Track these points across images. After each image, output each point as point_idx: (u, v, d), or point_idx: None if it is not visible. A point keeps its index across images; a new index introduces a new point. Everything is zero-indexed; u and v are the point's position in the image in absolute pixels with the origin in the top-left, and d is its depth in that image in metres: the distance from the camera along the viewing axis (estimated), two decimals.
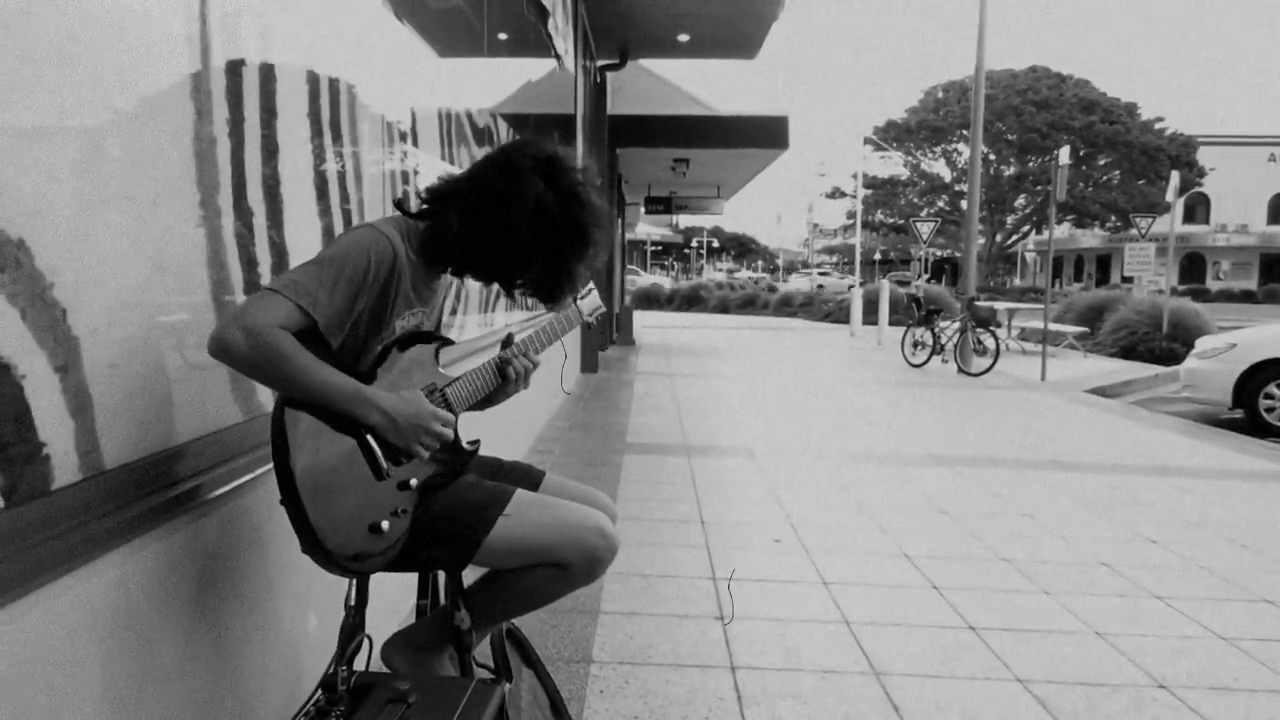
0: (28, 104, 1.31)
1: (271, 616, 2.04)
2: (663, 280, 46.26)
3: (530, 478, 1.99)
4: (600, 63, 12.60)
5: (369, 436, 1.62)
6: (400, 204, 1.83)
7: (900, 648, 3.06)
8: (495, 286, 1.88)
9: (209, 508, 1.79)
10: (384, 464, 1.64)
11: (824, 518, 4.68)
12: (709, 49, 12.45)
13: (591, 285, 2.20)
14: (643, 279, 42.67)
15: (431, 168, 3.73)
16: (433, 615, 1.90)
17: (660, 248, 70.53)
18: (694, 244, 72.07)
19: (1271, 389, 8.43)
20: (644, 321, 22.50)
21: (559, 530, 1.77)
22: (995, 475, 5.80)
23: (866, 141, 44.14)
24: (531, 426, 6.61)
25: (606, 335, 14.67)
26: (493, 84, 5.62)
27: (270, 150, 2.11)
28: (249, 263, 2.01)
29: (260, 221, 2.06)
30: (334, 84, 2.54)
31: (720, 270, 76.68)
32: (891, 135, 46.49)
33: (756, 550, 4.10)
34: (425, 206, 1.79)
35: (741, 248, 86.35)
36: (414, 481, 1.69)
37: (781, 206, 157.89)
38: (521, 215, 1.71)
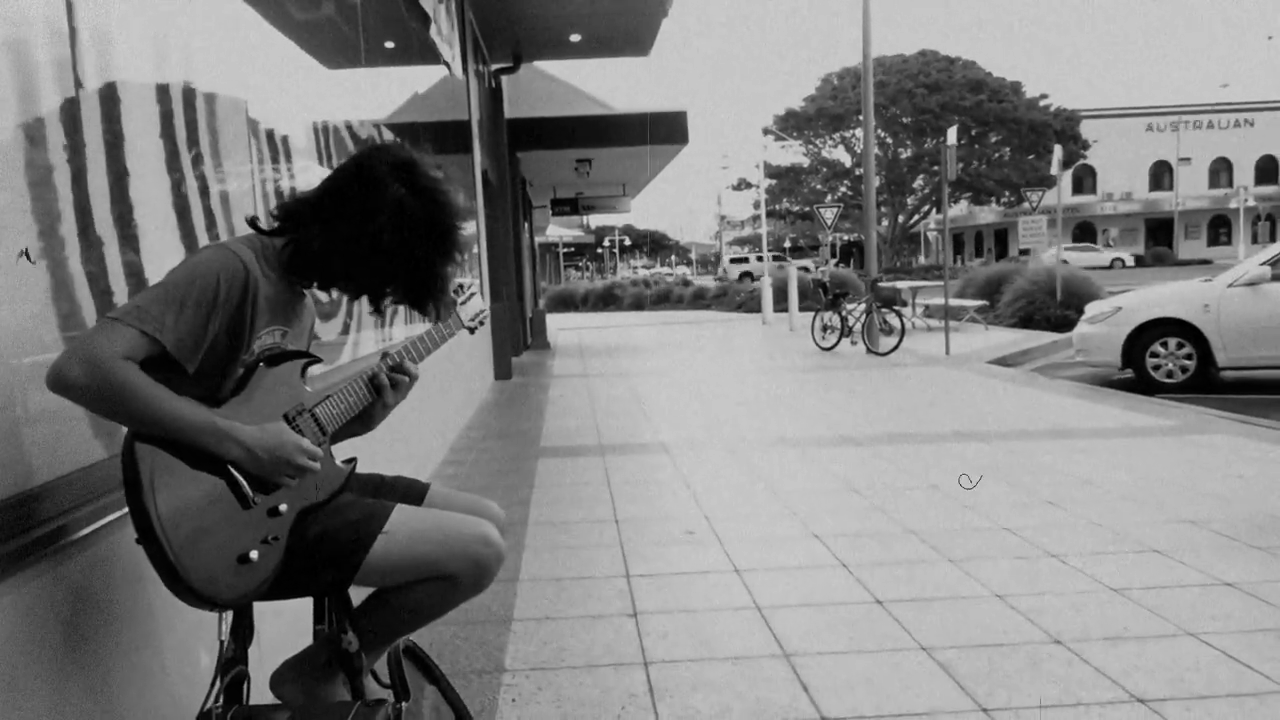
0: None
1: (153, 657, 1.96)
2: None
3: (414, 491, 1.96)
4: (494, 66, 12.51)
5: (230, 467, 1.56)
6: (254, 222, 1.78)
7: (809, 627, 3.12)
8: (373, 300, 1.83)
9: (74, 549, 1.71)
10: (250, 494, 1.58)
11: (737, 506, 4.74)
12: (601, 48, 12.48)
13: (474, 290, 2.17)
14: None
15: (310, 184, 3.64)
16: (320, 641, 1.85)
17: (573, 249, 70.39)
18: (606, 243, 72.18)
19: (1156, 348, 8.85)
20: (559, 324, 22.43)
21: (441, 543, 1.74)
22: (903, 450, 5.96)
23: (766, 132, 44.88)
24: (444, 437, 6.53)
25: (520, 340, 14.57)
26: (381, 94, 5.53)
27: (119, 174, 2.02)
28: (102, 294, 1.92)
29: (112, 251, 1.98)
30: (194, 100, 2.46)
31: (636, 268, 76.95)
32: (792, 124, 47.30)
33: (670, 544, 4.13)
34: (278, 223, 1.74)
35: (654, 244, 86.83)
36: (283, 507, 1.65)
37: (690, 201, 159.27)
38: (383, 223, 1.68)
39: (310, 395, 1.80)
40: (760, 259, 40.97)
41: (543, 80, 14.25)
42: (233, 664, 1.64)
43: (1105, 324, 9.21)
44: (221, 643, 1.63)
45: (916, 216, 50.12)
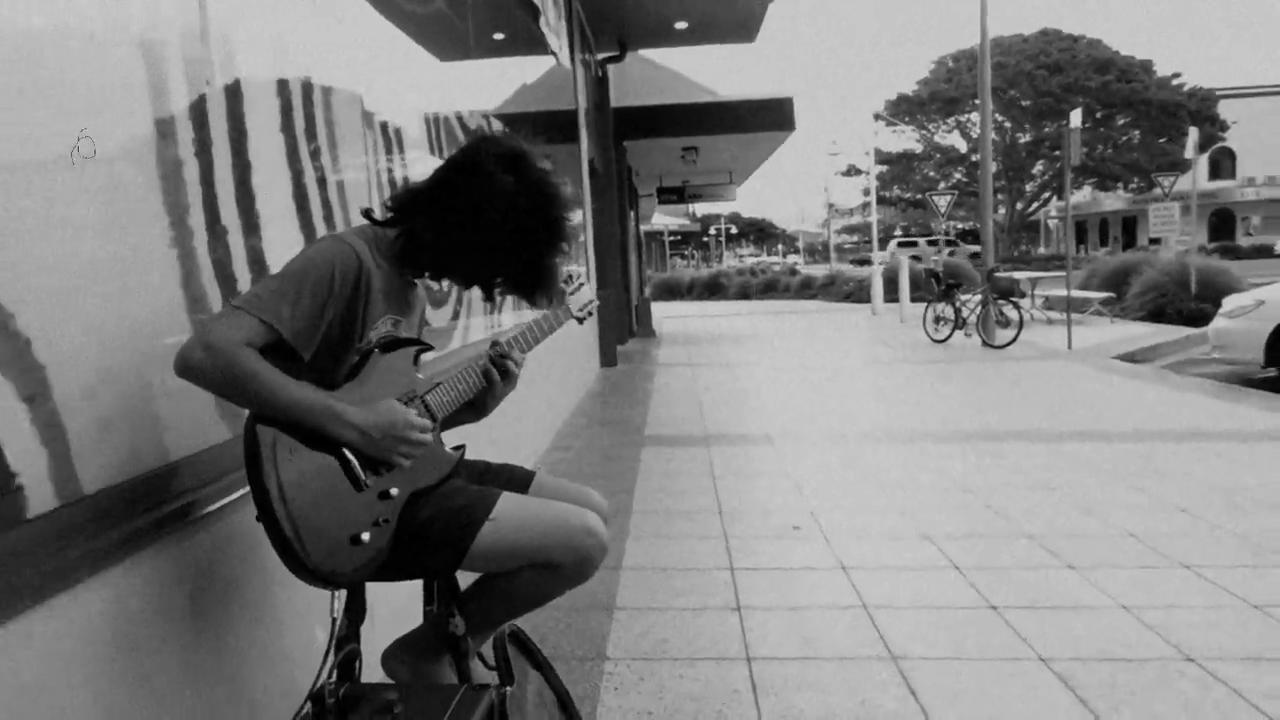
0: None
1: (272, 631, 2.03)
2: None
3: (520, 479, 1.97)
4: (600, 56, 12.56)
5: (344, 449, 1.60)
6: (367, 213, 1.81)
7: (918, 630, 3.01)
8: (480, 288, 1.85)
9: (201, 525, 1.78)
10: (362, 476, 1.62)
11: (844, 502, 4.63)
12: (707, 34, 12.37)
13: (583, 280, 2.17)
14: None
15: (423, 174, 3.72)
16: (428, 622, 1.89)
17: (679, 237, 70.33)
18: (712, 231, 71.87)
19: None
20: (664, 312, 22.47)
21: (546, 531, 1.75)
22: (1019, 449, 5.71)
23: (877, 117, 43.77)
24: (549, 424, 6.61)
25: (626, 328, 14.65)
26: (490, 85, 5.62)
27: (244, 167, 2.10)
28: (226, 280, 2.00)
29: (237, 239, 2.05)
30: (312, 94, 2.53)
31: (742, 256, 76.37)
32: (903, 109, 46.03)
33: (775, 538, 4.07)
34: (391, 214, 1.77)
35: (760, 232, 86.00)
36: (394, 491, 1.68)
37: (797, 188, 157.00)
38: (492, 215, 1.69)
39: (422, 382, 1.83)
40: (933, 243, 39.14)
41: (648, 68, 14.23)
42: (345, 641, 1.68)
43: (1246, 318, 8.62)
44: (334, 620, 1.67)
45: (1035, 204, 48.12)
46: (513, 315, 5.68)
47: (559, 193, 1.75)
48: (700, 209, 50.43)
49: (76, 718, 1.39)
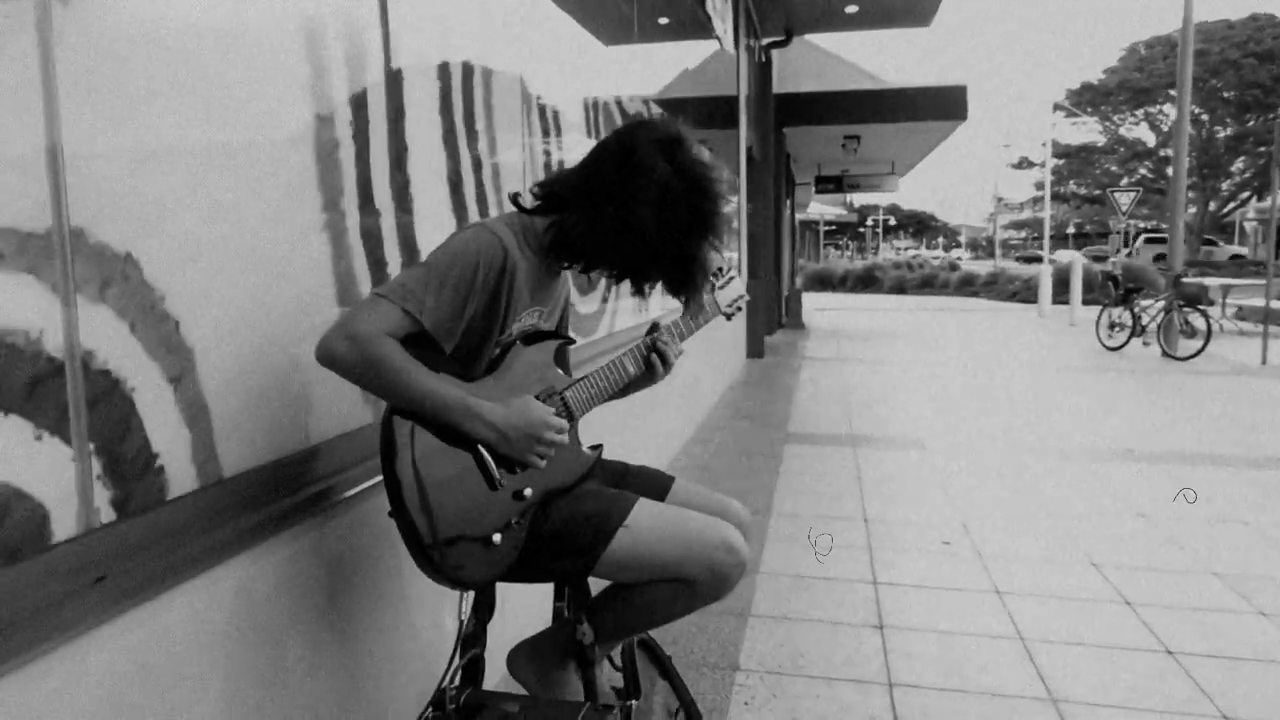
0: (139, 121, 1.31)
1: (403, 622, 2.04)
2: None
3: (657, 484, 1.88)
4: (765, 41, 12.30)
5: (480, 447, 1.56)
6: (515, 199, 1.76)
7: (1083, 671, 2.75)
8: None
9: (337, 510, 1.79)
10: (497, 474, 1.57)
11: (1000, 518, 4.33)
12: (879, 19, 11.90)
13: (734, 273, 2.05)
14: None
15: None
16: (556, 626, 1.83)
17: (834, 227, 68.74)
18: (869, 222, 69.89)
19: None
20: (815, 304, 22.00)
21: (682, 544, 1.64)
22: (1204, 474, 5.20)
23: (1058, 107, 41.24)
24: (691, 415, 6.53)
25: (775, 320, 14.39)
26: (652, 70, 5.56)
27: (400, 149, 2.09)
28: (376, 264, 2.00)
29: (389, 222, 2.05)
30: (472, 76, 2.51)
31: (900, 249, 73.96)
32: (1086, 99, 43.13)
33: (923, 553, 3.84)
34: (540, 202, 1.71)
35: (920, 225, 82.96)
36: (529, 492, 1.62)
37: (962, 180, 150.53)
38: (647, 209, 1.59)
39: (561, 378, 1.77)
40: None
41: (812, 53, 13.85)
42: (471, 642, 1.64)
43: None
44: (461, 622, 1.64)
45: (1232, 204, 44.18)
46: (659, 300, 5.62)
47: (716, 184, 1.64)
48: (857, 199, 49.14)
49: (205, 700, 1.40)
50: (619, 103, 4.47)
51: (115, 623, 1.22)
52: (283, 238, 1.67)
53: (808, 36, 13.25)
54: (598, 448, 1.82)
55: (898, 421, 6.86)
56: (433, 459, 1.51)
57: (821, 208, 42.56)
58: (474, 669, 1.62)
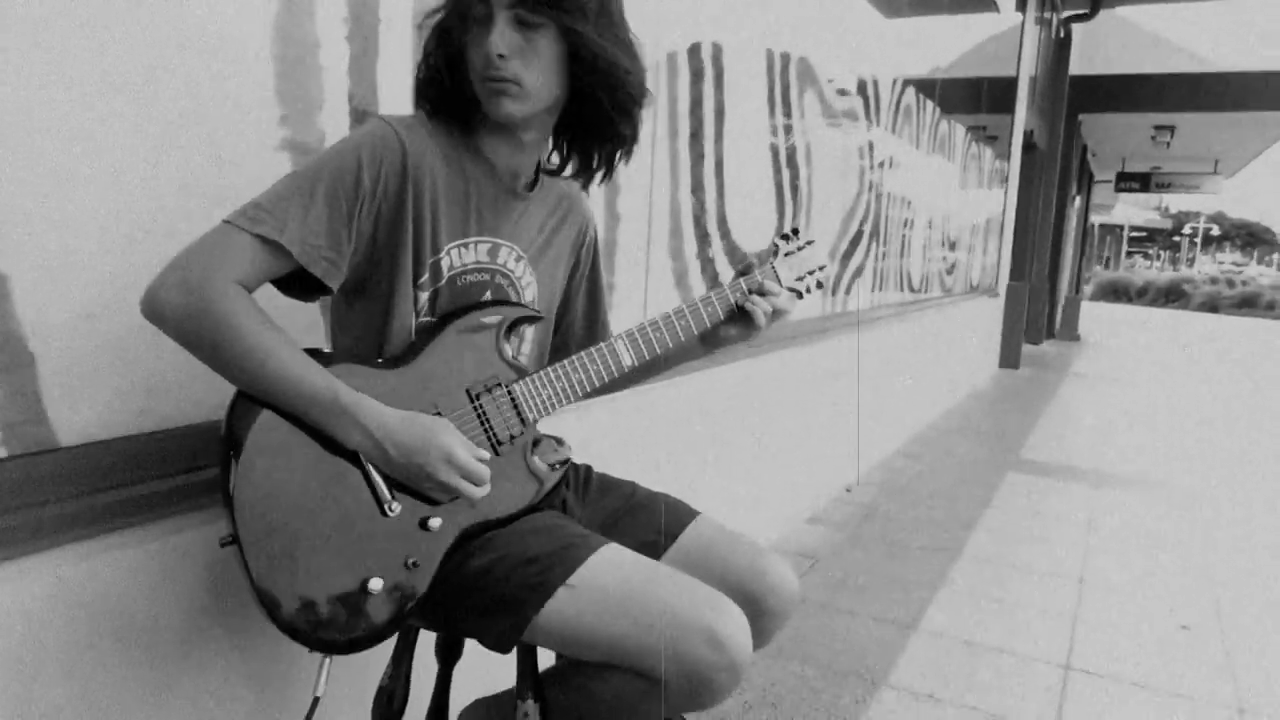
0: None
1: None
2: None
3: (656, 524, 1.37)
4: (1066, 14, 10.89)
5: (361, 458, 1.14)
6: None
7: None
8: None
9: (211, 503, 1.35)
10: (386, 497, 1.14)
11: (1268, 603, 3.38)
12: None
13: (811, 239, 1.52)
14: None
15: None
16: (500, 696, 1.37)
17: (1144, 233, 61.59)
18: (1187, 230, 62.01)
19: None
20: (1104, 314, 19.68)
21: (642, 623, 1.12)
22: None
23: None
24: (905, 423, 5.82)
25: (1043, 328, 12.90)
26: (933, 47, 4.99)
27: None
28: None
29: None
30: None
31: (1222, 263, 65.12)
32: None
33: (1148, 633, 3.04)
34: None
35: (1251, 236, 72.38)
36: (436, 522, 1.18)
37: None
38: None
39: (510, 368, 1.28)
40: None
41: (1120, 28, 12.11)
42: (387, 703, 1.26)
43: None
44: (315, 699, 1.15)
45: None
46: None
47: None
48: (1171, 201, 43.59)
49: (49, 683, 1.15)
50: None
51: None
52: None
53: (1119, 10, 11.58)
54: (558, 465, 1.34)
55: (1156, 461, 5.74)
56: (287, 467, 1.09)
57: (1128, 210, 38.19)
58: None
